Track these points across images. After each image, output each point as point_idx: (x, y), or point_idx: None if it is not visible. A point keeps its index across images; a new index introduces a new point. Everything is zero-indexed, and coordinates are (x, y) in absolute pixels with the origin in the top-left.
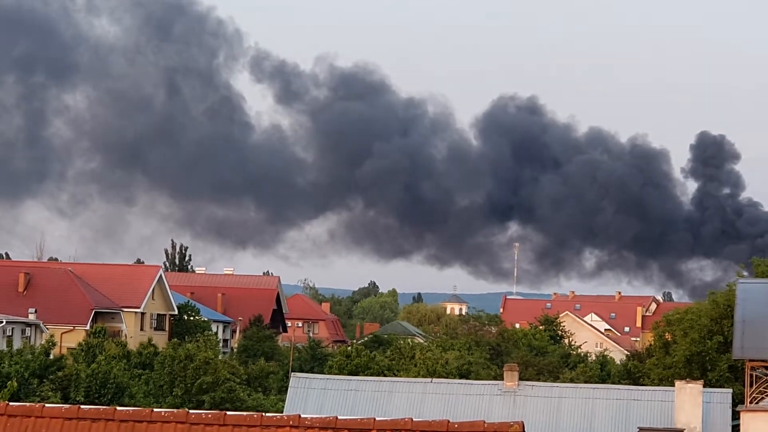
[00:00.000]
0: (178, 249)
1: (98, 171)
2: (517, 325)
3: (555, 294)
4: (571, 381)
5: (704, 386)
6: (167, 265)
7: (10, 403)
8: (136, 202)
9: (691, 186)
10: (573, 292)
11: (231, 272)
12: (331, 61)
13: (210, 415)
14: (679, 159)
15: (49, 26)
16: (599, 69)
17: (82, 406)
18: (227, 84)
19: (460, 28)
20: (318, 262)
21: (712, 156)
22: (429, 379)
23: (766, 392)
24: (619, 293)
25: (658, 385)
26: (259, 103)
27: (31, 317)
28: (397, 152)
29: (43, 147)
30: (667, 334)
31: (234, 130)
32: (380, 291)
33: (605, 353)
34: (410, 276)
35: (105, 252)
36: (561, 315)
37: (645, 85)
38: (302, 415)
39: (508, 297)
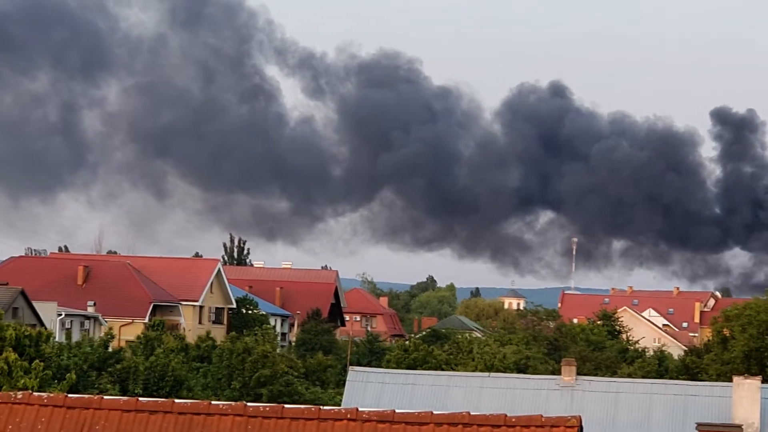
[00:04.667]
0: (236, 243)
1: (149, 167)
2: (575, 320)
3: (613, 289)
4: (629, 376)
5: (762, 382)
6: (226, 258)
7: (69, 395)
8: (189, 197)
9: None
10: (631, 287)
11: (289, 266)
12: (356, 50)
13: (268, 408)
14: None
15: (79, 17)
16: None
17: (140, 399)
18: (261, 73)
19: (478, 16)
20: (376, 256)
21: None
22: (486, 374)
23: None
24: (678, 288)
25: (716, 380)
26: (290, 94)
27: (90, 310)
28: (426, 141)
29: (82, 140)
30: (725, 329)
31: (269, 122)
32: (438, 285)
33: (663, 348)
34: (468, 270)
35: (158, 246)
36: (619, 310)
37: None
38: (360, 409)
39: (566, 292)
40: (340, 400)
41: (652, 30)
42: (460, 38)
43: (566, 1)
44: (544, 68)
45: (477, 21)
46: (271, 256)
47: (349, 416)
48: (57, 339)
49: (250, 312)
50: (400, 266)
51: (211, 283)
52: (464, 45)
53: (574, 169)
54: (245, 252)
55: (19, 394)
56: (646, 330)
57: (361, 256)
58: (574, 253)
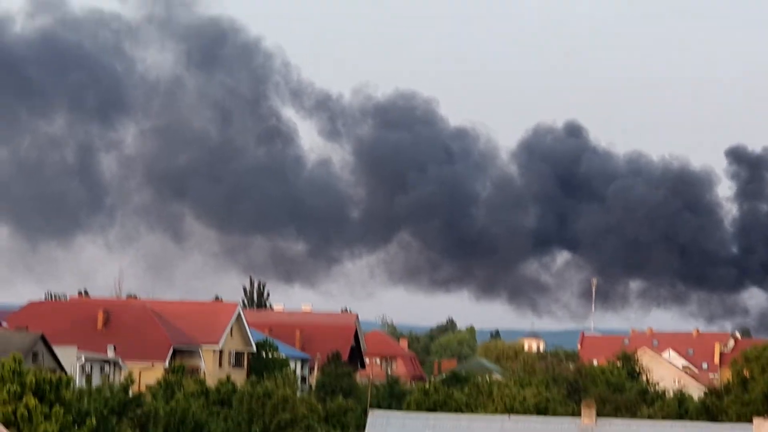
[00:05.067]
0: (256, 286)
1: (167, 209)
2: (595, 362)
3: (633, 330)
4: (649, 417)
5: None
6: (245, 302)
7: None
8: (207, 239)
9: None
10: (651, 328)
11: (309, 309)
12: (372, 92)
13: None
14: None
15: (96, 60)
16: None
17: None
18: (277, 115)
19: (494, 54)
20: (396, 298)
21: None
22: (507, 416)
23: None
24: (697, 330)
25: (737, 422)
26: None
27: (110, 354)
28: (443, 181)
29: (100, 182)
30: (745, 370)
31: (286, 164)
32: (458, 327)
33: (683, 390)
34: (488, 312)
35: (176, 288)
36: (639, 351)
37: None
38: None
39: (585, 333)
40: None
41: (667, 70)
42: (476, 78)
43: (581, 42)
44: (559, 108)
45: (492, 61)
46: (290, 299)
47: None
48: (77, 384)
49: (270, 356)
50: (419, 308)
51: (231, 327)
52: (480, 85)
53: (590, 209)
54: (265, 295)
55: None
56: (666, 371)
57: (380, 298)
58: (593, 294)
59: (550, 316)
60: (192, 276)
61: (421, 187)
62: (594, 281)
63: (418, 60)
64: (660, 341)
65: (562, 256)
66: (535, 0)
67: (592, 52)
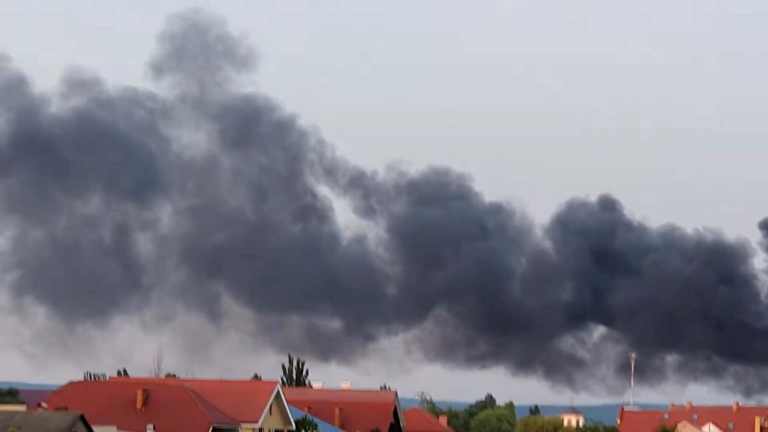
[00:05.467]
0: (295, 364)
1: (203, 288)
2: None
3: (672, 405)
4: None
5: None
6: (284, 380)
7: None
8: (243, 318)
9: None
10: (690, 402)
11: (348, 386)
12: (406, 168)
13: None
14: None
15: (131, 140)
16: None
17: None
18: (313, 193)
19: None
20: (433, 375)
21: None
22: None
23: None
24: (737, 403)
25: None
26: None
27: None
28: (478, 257)
29: (136, 262)
30: None
31: (322, 242)
32: (497, 403)
33: None
34: (527, 388)
35: (213, 367)
36: (679, 426)
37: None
38: None
39: (625, 408)
40: None
41: (699, 141)
42: (509, 152)
43: (613, 116)
44: (592, 181)
45: (524, 136)
46: (329, 377)
47: None
48: None
49: None
50: (458, 384)
51: (271, 405)
52: (513, 160)
53: (625, 283)
54: (304, 373)
55: None
56: None
57: (418, 374)
58: (632, 369)
59: (587, 391)
60: (229, 354)
61: (456, 263)
62: (633, 356)
63: (451, 136)
64: (700, 415)
65: (598, 331)
66: (564, 79)
67: (623, 123)
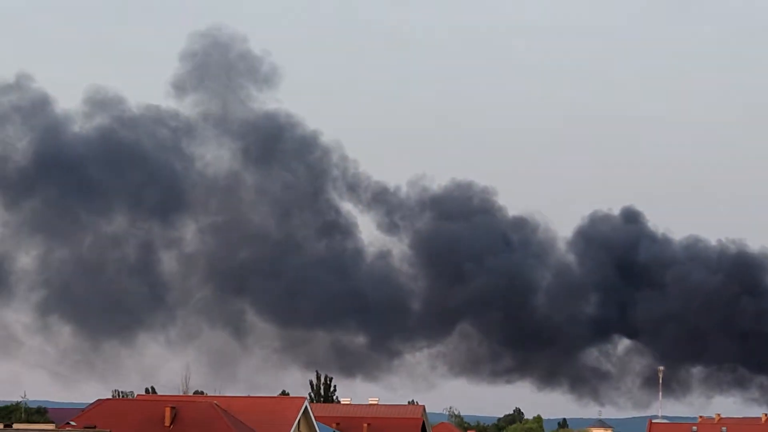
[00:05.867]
0: (323, 380)
1: (227, 305)
2: None
3: (701, 417)
4: None
5: None
6: (312, 396)
7: None
8: (268, 334)
9: None
10: (719, 414)
11: (376, 402)
12: (428, 183)
13: None
14: None
15: (155, 158)
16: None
17: None
18: (336, 209)
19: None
20: (460, 389)
21: None
22: None
23: None
24: (765, 415)
25: None
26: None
27: None
28: (502, 272)
29: (160, 280)
30: None
31: (346, 257)
32: (525, 417)
33: None
34: (555, 401)
35: (239, 384)
36: None
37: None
38: None
39: (653, 421)
40: None
41: (721, 152)
42: (530, 166)
43: (634, 129)
44: (615, 194)
45: (548, 149)
46: (357, 393)
47: None
48: None
49: None
50: (486, 399)
51: (299, 421)
52: (535, 173)
53: (649, 296)
54: (332, 389)
55: None
56: None
57: (445, 389)
58: (660, 382)
59: (612, 404)
60: (254, 371)
61: (480, 278)
62: (661, 369)
63: (474, 149)
64: (729, 427)
65: (623, 344)
66: (586, 91)
67: (645, 134)
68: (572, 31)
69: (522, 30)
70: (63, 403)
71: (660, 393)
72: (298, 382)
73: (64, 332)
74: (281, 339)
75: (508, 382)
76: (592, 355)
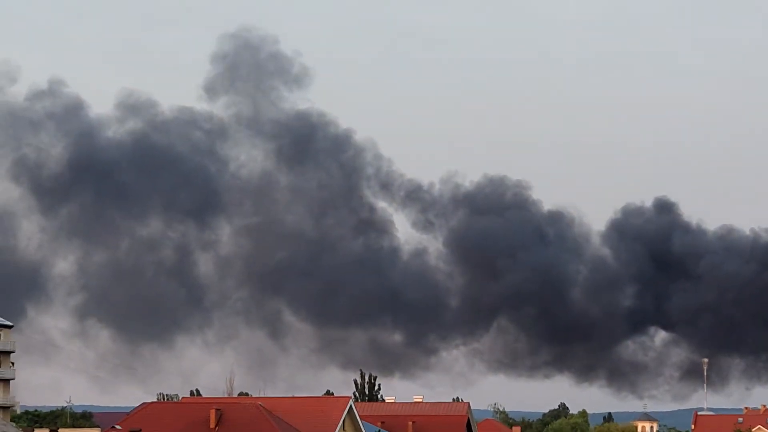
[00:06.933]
0: (367, 379)
1: (265, 306)
2: None
3: (746, 408)
4: None
5: None
6: (356, 395)
7: None
8: (305, 334)
9: None
10: (764, 405)
11: (420, 399)
12: (461, 180)
13: None
14: None
15: (189, 162)
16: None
17: None
18: (371, 207)
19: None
20: (504, 385)
21: None
22: None
23: None
24: None
25: None
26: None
27: None
28: (537, 267)
29: (197, 282)
30: None
31: (382, 256)
32: (570, 412)
33: None
34: (600, 395)
35: (276, 385)
36: (753, 429)
37: None
38: None
39: (699, 413)
40: None
41: (753, 141)
42: (562, 159)
43: (665, 117)
44: (648, 184)
45: (579, 140)
46: (401, 391)
47: None
48: None
49: None
50: (529, 394)
51: (344, 421)
52: (568, 167)
53: (683, 287)
54: (376, 387)
55: None
56: None
57: (485, 386)
58: (705, 373)
59: (651, 397)
60: (293, 371)
61: (516, 273)
62: (705, 361)
63: (505, 144)
64: None
65: (659, 336)
66: (616, 82)
67: (677, 123)
68: (601, 23)
69: (548, 24)
70: (106, 407)
71: (705, 385)
72: (338, 381)
73: (103, 336)
74: (318, 338)
75: (546, 376)
76: (629, 348)
